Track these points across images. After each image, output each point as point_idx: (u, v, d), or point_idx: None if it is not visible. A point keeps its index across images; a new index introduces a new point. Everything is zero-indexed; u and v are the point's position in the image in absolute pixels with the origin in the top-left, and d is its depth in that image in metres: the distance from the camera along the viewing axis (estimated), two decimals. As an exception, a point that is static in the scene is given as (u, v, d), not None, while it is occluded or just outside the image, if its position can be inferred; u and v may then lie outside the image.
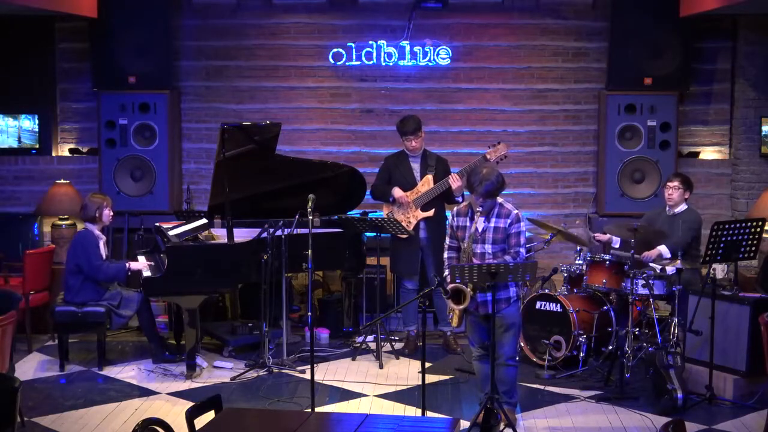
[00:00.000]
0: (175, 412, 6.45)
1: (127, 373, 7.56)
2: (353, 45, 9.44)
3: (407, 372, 7.59)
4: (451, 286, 6.05)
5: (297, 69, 9.59)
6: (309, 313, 6.60)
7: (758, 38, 9.09)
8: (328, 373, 7.55)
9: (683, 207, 7.69)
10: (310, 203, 6.60)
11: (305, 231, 6.72)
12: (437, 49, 9.43)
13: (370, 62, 9.46)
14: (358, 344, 8.11)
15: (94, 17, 9.09)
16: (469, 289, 6.07)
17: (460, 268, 5.99)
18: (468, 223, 6.22)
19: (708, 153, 9.53)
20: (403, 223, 7.91)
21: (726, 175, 9.46)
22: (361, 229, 8.06)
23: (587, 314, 7.53)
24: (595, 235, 7.99)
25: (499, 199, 6.23)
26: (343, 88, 9.59)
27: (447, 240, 6.42)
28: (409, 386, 7.22)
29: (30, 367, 7.71)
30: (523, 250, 6.18)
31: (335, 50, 9.46)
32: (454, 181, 7.84)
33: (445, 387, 7.23)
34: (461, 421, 5.87)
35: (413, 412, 6.60)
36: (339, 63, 9.49)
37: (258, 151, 7.82)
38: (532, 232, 8.91)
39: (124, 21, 9.13)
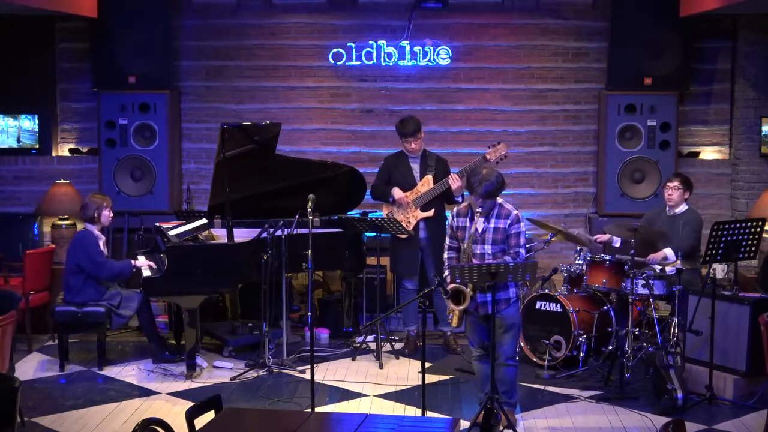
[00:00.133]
0: (175, 412, 6.45)
1: (127, 373, 7.56)
2: (353, 45, 9.45)
3: (407, 372, 7.59)
4: (451, 286, 6.05)
5: (297, 69, 9.59)
6: (309, 313, 6.60)
7: (758, 38, 9.09)
8: (328, 373, 7.55)
9: (683, 207, 7.69)
10: (310, 203, 6.60)
11: (305, 231, 6.72)
12: (437, 49, 9.43)
13: (370, 62, 9.46)
14: (358, 344, 8.11)
15: (94, 17, 9.10)
16: (468, 290, 6.08)
17: (460, 268, 5.99)
18: (468, 224, 6.22)
19: (708, 153, 9.53)
20: (403, 223, 7.91)
21: (726, 175, 9.46)
22: (361, 229, 8.06)
23: (587, 314, 7.53)
24: (596, 237, 7.98)
25: (499, 200, 6.23)
26: (343, 88, 9.60)
27: (447, 240, 6.42)
28: (409, 386, 7.22)
29: (30, 367, 7.71)
30: (522, 251, 6.18)
31: (335, 50, 9.46)
32: (454, 182, 7.84)
33: (445, 387, 7.23)
34: (461, 421, 5.87)
35: (413, 412, 6.60)
36: (339, 63, 9.49)
37: (258, 151, 7.82)
38: (532, 232, 8.91)
39: (124, 21, 9.13)
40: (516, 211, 6.21)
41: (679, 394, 6.58)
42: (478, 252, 6.18)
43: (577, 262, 7.92)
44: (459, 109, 9.56)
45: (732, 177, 9.41)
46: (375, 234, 7.99)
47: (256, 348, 7.83)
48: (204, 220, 8.02)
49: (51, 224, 9.08)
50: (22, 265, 8.08)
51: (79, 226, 8.24)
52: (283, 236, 7.43)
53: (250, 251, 7.47)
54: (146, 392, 7.09)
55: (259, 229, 7.62)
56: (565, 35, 9.47)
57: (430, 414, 6.23)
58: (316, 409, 6.37)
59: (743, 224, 7.02)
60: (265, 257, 7.38)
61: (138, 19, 9.12)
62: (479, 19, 9.47)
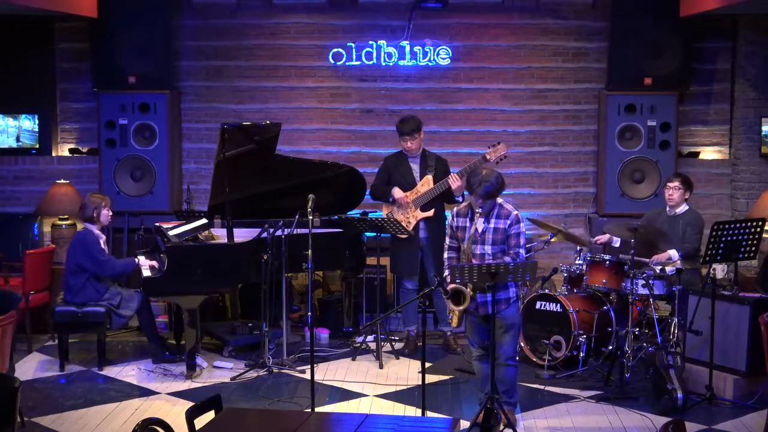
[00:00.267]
0: (175, 412, 6.45)
1: (127, 373, 7.56)
2: (353, 45, 9.44)
3: (407, 372, 7.59)
4: (451, 286, 6.05)
5: (297, 69, 9.59)
6: (309, 313, 6.60)
7: (758, 38, 9.09)
8: (328, 373, 7.55)
9: (684, 208, 7.69)
10: (310, 203, 6.60)
11: (305, 231, 6.72)
12: (437, 49, 9.43)
13: (370, 62, 9.46)
14: (358, 344, 8.11)
15: (94, 17, 9.09)
16: (468, 290, 6.07)
17: (460, 268, 5.99)
18: (468, 224, 6.22)
19: (708, 153, 9.53)
20: (403, 223, 7.91)
21: (726, 175, 9.46)
22: (361, 229, 8.06)
23: (587, 314, 7.53)
24: (596, 239, 7.98)
25: (499, 200, 6.22)
26: (343, 88, 9.59)
27: (447, 240, 6.42)
28: (409, 386, 7.22)
29: (30, 367, 7.71)
30: (522, 251, 6.18)
31: (335, 50, 9.46)
32: (454, 181, 7.84)
33: (445, 387, 7.23)
34: (461, 421, 5.87)
35: (413, 412, 6.60)
36: (339, 63, 9.49)
37: (258, 151, 7.82)
38: (532, 232, 8.91)
39: (124, 21, 9.13)
40: (516, 212, 6.21)
41: (679, 394, 6.58)
42: (478, 252, 6.18)
43: (577, 262, 7.92)
44: (459, 109, 9.56)
45: (732, 177, 9.41)
46: (375, 234, 7.99)
47: (256, 348, 7.83)
48: (204, 220, 8.02)
49: (51, 224, 9.08)
50: (22, 265, 8.08)
51: (79, 226, 8.24)
52: (283, 236, 7.43)
53: (250, 251, 7.47)
54: (146, 392, 7.09)
55: (259, 229, 7.62)
56: (565, 35, 9.47)
57: (430, 414, 6.23)
58: (316, 409, 6.37)
59: (743, 224, 7.02)
60: (265, 257, 7.38)
61: (138, 19, 9.12)
62: (479, 19, 9.46)
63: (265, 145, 7.84)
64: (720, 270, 8.12)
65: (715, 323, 6.79)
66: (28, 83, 9.65)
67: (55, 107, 9.71)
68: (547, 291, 7.75)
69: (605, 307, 7.59)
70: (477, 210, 6.14)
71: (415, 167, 8.12)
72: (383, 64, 9.46)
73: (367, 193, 8.44)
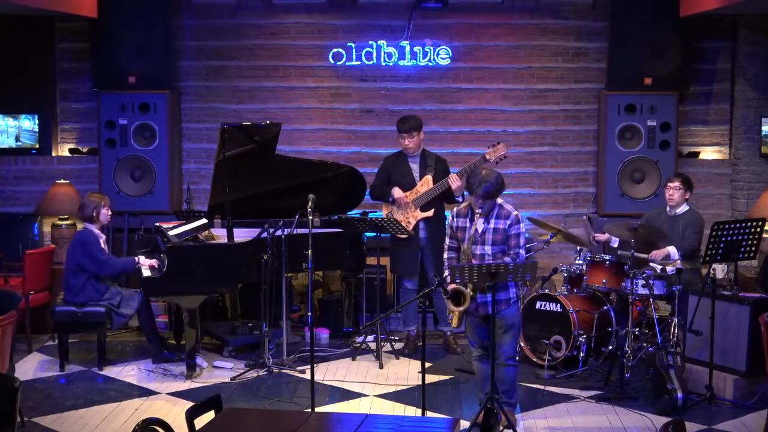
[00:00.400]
0: (175, 412, 6.45)
1: (127, 373, 7.56)
2: (353, 45, 9.44)
3: (407, 372, 7.59)
4: (451, 287, 6.05)
5: (297, 69, 9.59)
6: (309, 313, 6.60)
7: (758, 38, 9.09)
8: (328, 373, 7.55)
9: (684, 208, 7.69)
10: (310, 203, 6.60)
11: (305, 231, 6.72)
12: (437, 49, 9.43)
13: (370, 62, 9.46)
14: (358, 344, 8.11)
15: (94, 17, 9.09)
16: (468, 291, 6.07)
17: (460, 268, 5.99)
18: (468, 224, 6.22)
19: (708, 153, 9.53)
20: (403, 223, 7.91)
21: (726, 175, 9.46)
22: (361, 229, 8.06)
23: (587, 314, 7.53)
24: (595, 235, 7.99)
25: (499, 200, 6.22)
26: (343, 88, 9.59)
27: (447, 240, 6.41)
28: (409, 386, 7.22)
29: (30, 367, 7.71)
30: (522, 252, 6.18)
31: (335, 50, 9.46)
32: (454, 181, 7.84)
33: (445, 387, 7.23)
34: (461, 421, 5.87)
35: (413, 412, 6.60)
36: (339, 63, 9.49)
37: (258, 151, 7.82)
38: (532, 232, 8.91)
39: (124, 21, 9.13)
40: (516, 212, 6.20)
41: (679, 394, 6.58)
42: (478, 253, 6.18)
43: (577, 262, 7.92)
44: (459, 109, 9.56)
45: (732, 177, 9.41)
46: (375, 234, 7.99)
47: (256, 348, 7.83)
48: (204, 220, 8.02)
49: (51, 224, 9.08)
50: (22, 265, 8.08)
51: (79, 226, 8.24)
52: (283, 236, 7.43)
53: (250, 251, 7.47)
54: (146, 392, 7.09)
55: (259, 229, 7.62)
56: (565, 35, 9.47)
57: (430, 414, 6.23)
58: (316, 409, 6.37)
59: (743, 224, 7.02)
60: (265, 257, 7.38)
61: (138, 19, 9.12)
62: (479, 19, 9.46)
63: (265, 145, 7.84)
64: (720, 270, 8.13)
65: (715, 323, 6.79)
66: (28, 83, 9.65)
67: (55, 107, 9.71)
68: (547, 291, 7.75)
69: (605, 307, 7.59)
70: (477, 210, 6.14)
71: (415, 167, 8.12)
72: (383, 64, 9.46)
73: (367, 193, 8.44)
